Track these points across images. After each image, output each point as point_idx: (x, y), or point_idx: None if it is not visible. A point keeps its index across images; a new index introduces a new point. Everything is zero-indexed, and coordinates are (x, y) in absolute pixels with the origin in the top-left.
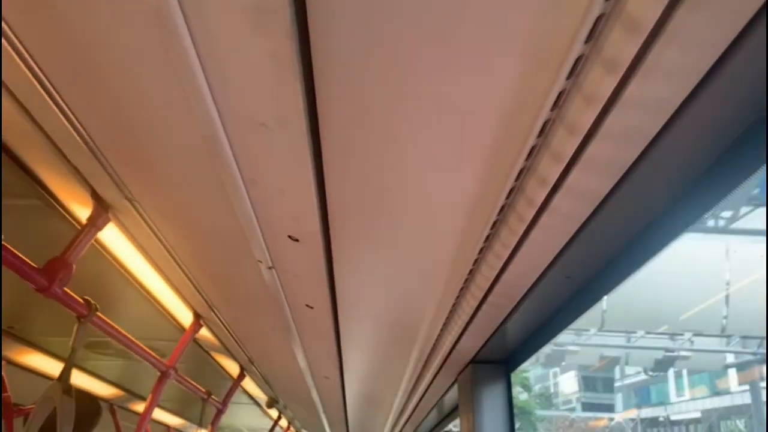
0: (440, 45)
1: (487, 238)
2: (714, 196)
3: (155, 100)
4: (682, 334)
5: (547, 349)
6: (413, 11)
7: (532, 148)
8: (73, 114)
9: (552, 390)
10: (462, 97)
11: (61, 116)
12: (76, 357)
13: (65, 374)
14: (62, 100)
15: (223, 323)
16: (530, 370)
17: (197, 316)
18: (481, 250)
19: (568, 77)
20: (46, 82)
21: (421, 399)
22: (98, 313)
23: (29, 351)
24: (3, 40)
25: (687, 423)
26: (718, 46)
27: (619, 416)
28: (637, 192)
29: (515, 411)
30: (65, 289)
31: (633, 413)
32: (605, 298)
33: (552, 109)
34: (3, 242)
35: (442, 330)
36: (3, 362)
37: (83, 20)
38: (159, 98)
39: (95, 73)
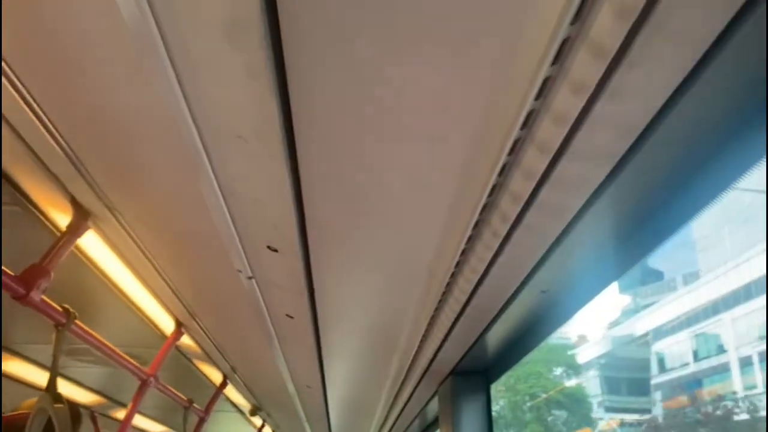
0: (413, 62)
1: (463, 252)
2: (683, 213)
3: (134, 111)
4: None
5: None
6: (385, 28)
7: (504, 166)
8: (51, 122)
9: None
10: (435, 114)
11: (40, 125)
12: (59, 365)
13: (52, 384)
14: (41, 109)
15: (204, 331)
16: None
17: (179, 323)
18: (458, 263)
19: (537, 98)
20: (24, 91)
21: (403, 409)
22: (77, 321)
23: (8, 358)
24: None
25: None
26: (682, 69)
27: None
28: (607, 208)
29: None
30: (43, 297)
31: None
32: None
33: (522, 128)
34: None
35: (422, 340)
36: None
37: (61, 30)
38: (137, 110)
39: (74, 83)
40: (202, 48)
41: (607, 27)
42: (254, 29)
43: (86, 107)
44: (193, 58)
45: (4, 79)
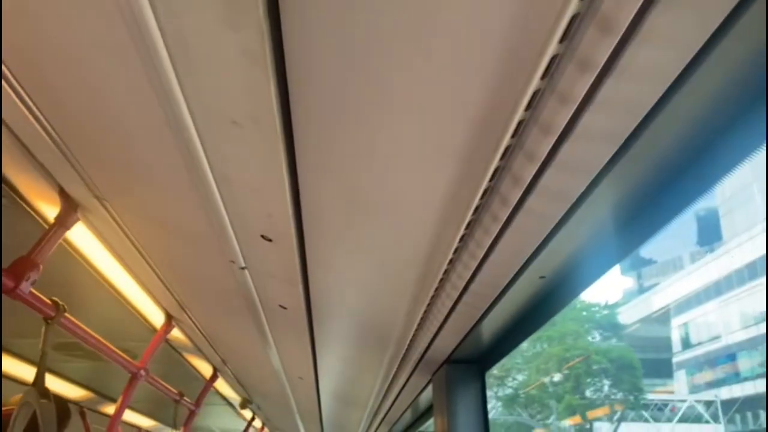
0: (415, 44)
1: (462, 238)
2: (688, 195)
3: (124, 96)
4: None
5: None
6: (387, 8)
7: (507, 148)
8: (39, 111)
9: None
10: (436, 97)
11: (28, 113)
12: (47, 360)
13: (39, 378)
14: (29, 97)
15: (195, 324)
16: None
17: (169, 316)
18: (456, 249)
19: (543, 77)
20: (12, 79)
21: (396, 399)
22: (66, 315)
23: None
24: None
25: None
26: (692, 46)
27: None
28: (610, 191)
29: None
30: (32, 290)
31: None
32: None
33: (526, 109)
34: None
35: (417, 330)
36: None
37: (49, 14)
38: (128, 95)
39: (62, 69)
40: (197, 28)
41: (616, 3)
42: (252, 10)
43: (74, 93)
44: (187, 40)
45: None
